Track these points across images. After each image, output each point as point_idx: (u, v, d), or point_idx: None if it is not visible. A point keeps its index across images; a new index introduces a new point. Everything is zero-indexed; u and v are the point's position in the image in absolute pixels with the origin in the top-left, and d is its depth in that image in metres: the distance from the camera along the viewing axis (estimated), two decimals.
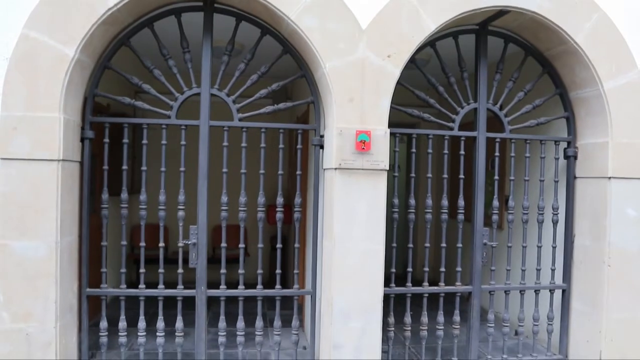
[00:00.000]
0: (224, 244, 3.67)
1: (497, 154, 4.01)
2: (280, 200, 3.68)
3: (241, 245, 3.66)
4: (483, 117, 3.96)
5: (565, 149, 4.15)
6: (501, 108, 4.00)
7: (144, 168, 3.58)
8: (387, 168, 3.45)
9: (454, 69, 3.95)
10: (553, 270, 4.09)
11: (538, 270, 4.07)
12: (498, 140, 4.01)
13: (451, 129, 3.94)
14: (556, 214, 4.13)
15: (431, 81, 3.90)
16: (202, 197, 3.56)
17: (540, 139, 4.10)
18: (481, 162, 3.95)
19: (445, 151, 3.92)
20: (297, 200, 3.69)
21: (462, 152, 3.93)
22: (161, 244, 3.62)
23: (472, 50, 3.98)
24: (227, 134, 3.64)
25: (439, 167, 5.60)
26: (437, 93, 3.93)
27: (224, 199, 3.62)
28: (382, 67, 3.45)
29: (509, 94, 4.04)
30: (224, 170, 3.63)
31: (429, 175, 3.89)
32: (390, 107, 3.50)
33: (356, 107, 3.41)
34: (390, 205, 3.72)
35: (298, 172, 3.70)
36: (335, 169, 3.38)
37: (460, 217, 3.91)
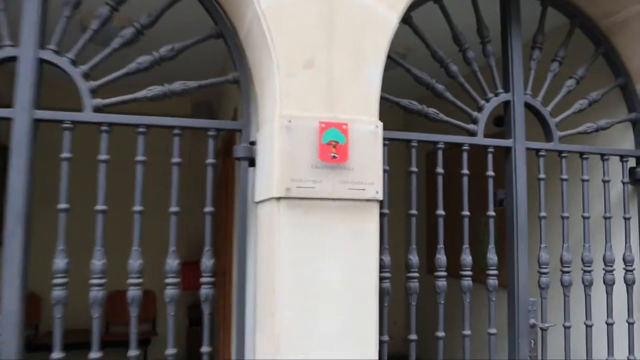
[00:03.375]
0: None
1: (541, 175, 2.42)
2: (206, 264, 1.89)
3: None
4: (520, 116, 2.37)
5: (633, 168, 2.62)
6: (543, 103, 2.46)
7: None
8: (381, 196, 1.76)
9: (472, 42, 2.38)
10: None
11: None
12: (543, 153, 2.43)
13: (472, 133, 2.32)
14: (631, 271, 2.55)
15: (438, 55, 2.29)
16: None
17: (602, 153, 2.55)
18: (521, 188, 2.34)
19: (465, 170, 2.28)
20: (206, 263, 1.91)
21: (489, 172, 2.32)
22: None
23: (494, 18, 2.44)
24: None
25: (454, 197, 3.91)
26: (447, 76, 2.32)
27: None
28: (367, 7, 1.80)
29: (553, 81, 2.50)
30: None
31: (440, 212, 2.22)
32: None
33: (319, 79, 1.72)
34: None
35: (207, 210, 1.93)
36: (278, 199, 1.64)
37: (492, 281, 2.25)
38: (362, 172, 1.68)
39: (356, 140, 1.68)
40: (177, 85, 1.96)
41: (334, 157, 1.62)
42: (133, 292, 1.82)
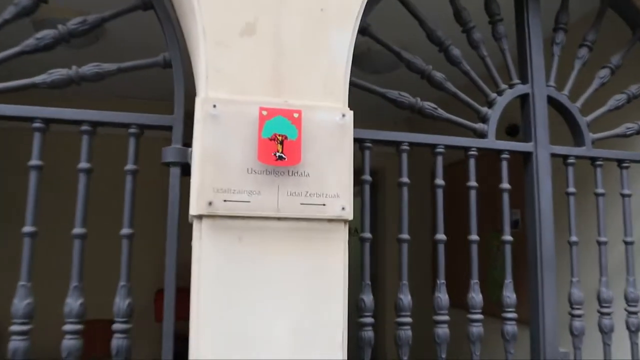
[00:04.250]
0: None
1: (570, 189, 1.89)
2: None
3: None
4: (542, 113, 1.85)
5: None
6: (570, 98, 1.94)
7: None
8: (350, 214, 1.23)
9: (479, 21, 1.88)
10: None
11: None
12: (572, 160, 1.90)
13: (482, 134, 1.80)
14: None
15: (435, 36, 1.78)
16: None
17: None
18: (546, 205, 1.80)
19: (471, 182, 1.75)
20: (120, 304, 1.39)
21: (504, 185, 1.79)
22: None
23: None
24: None
25: (457, 218, 3.37)
26: (448, 62, 1.82)
27: None
28: None
29: (582, 72, 1.99)
30: None
31: (440, 236, 1.68)
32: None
33: (262, 50, 1.21)
34: (356, 307, 1.49)
35: (125, 232, 1.42)
36: (200, 217, 1.12)
37: (511, 328, 1.70)
38: (322, 180, 1.17)
39: (314, 135, 1.18)
40: (89, 68, 1.48)
41: (281, 158, 1.12)
42: (70, 342, 1.32)
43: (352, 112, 1.26)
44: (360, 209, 1.55)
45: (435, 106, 1.74)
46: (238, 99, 1.15)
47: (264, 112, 1.13)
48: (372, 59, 3.21)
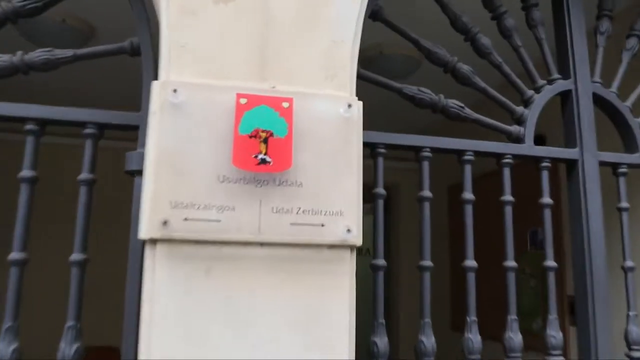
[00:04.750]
0: None
1: (622, 204, 1.57)
2: None
3: None
4: (588, 113, 1.54)
5: None
6: (619, 96, 1.62)
7: None
8: (358, 238, 0.93)
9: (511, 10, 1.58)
10: None
11: None
12: (624, 169, 1.58)
13: (517, 138, 1.49)
14: None
15: (460, 22, 1.49)
16: None
17: None
18: (596, 223, 1.48)
19: (507, 197, 1.43)
20: (65, 350, 1.10)
21: (545, 199, 1.47)
22: None
23: None
24: None
25: (482, 236, 3.03)
26: (476, 53, 1.52)
27: None
28: None
29: (632, 65, 1.68)
30: None
31: (470, 263, 1.37)
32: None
33: (242, 20, 0.93)
34: (366, 352, 1.18)
35: (74, 259, 1.13)
36: (153, 242, 0.83)
37: None
38: (321, 191, 0.86)
39: (310, 132, 0.88)
40: (38, 54, 1.20)
41: (264, 161, 0.82)
42: None
43: (360, 103, 0.96)
44: (373, 230, 1.25)
45: (462, 104, 1.43)
46: (209, 83, 0.86)
47: (243, 100, 0.83)
48: (384, 64, 2.92)
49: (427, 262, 1.28)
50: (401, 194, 4.43)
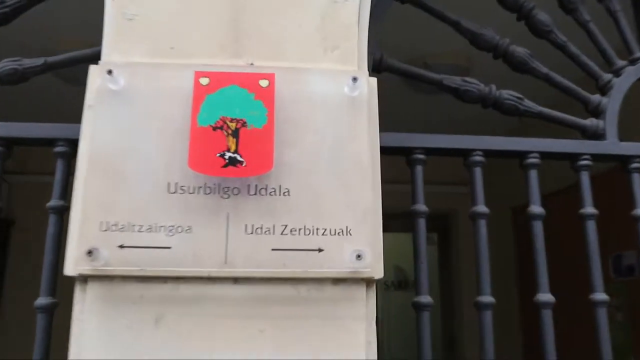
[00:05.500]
0: None
1: None
2: None
3: None
4: None
5: None
6: None
7: None
8: (375, 271, 0.64)
9: None
10: None
11: None
12: None
13: (595, 134, 1.16)
14: None
15: None
16: None
17: None
18: None
19: (588, 209, 1.10)
20: None
21: (639, 210, 1.12)
22: None
23: None
24: None
25: (562, 273, 2.56)
26: (534, 34, 1.22)
27: None
28: None
29: None
30: None
31: (546, 297, 1.03)
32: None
33: None
34: None
35: None
36: (84, 280, 0.59)
37: None
38: (317, 201, 0.60)
39: (299, 119, 0.62)
40: (3, 64, 1.03)
41: (233, 161, 0.57)
42: None
43: (374, 79, 0.70)
44: (414, 258, 0.96)
45: (520, 96, 1.13)
46: (160, 62, 0.64)
47: (204, 81, 0.60)
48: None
49: (488, 298, 0.96)
50: (460, 222, 4.02)
